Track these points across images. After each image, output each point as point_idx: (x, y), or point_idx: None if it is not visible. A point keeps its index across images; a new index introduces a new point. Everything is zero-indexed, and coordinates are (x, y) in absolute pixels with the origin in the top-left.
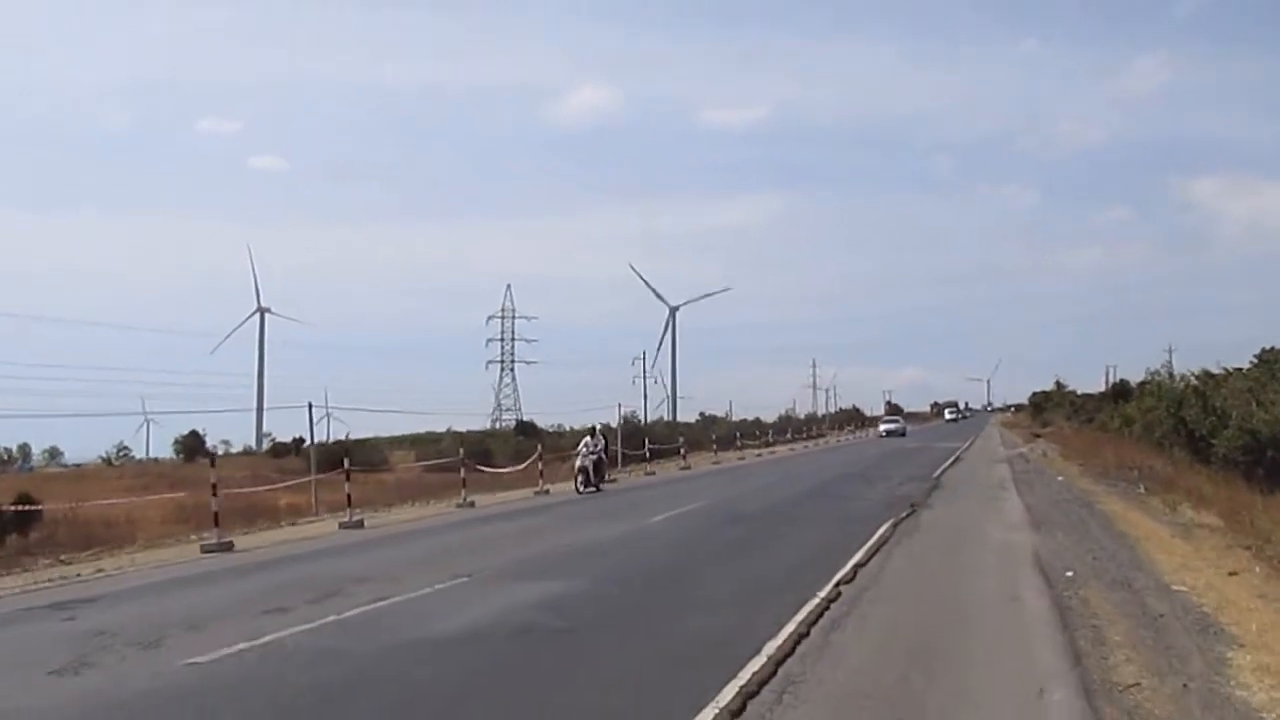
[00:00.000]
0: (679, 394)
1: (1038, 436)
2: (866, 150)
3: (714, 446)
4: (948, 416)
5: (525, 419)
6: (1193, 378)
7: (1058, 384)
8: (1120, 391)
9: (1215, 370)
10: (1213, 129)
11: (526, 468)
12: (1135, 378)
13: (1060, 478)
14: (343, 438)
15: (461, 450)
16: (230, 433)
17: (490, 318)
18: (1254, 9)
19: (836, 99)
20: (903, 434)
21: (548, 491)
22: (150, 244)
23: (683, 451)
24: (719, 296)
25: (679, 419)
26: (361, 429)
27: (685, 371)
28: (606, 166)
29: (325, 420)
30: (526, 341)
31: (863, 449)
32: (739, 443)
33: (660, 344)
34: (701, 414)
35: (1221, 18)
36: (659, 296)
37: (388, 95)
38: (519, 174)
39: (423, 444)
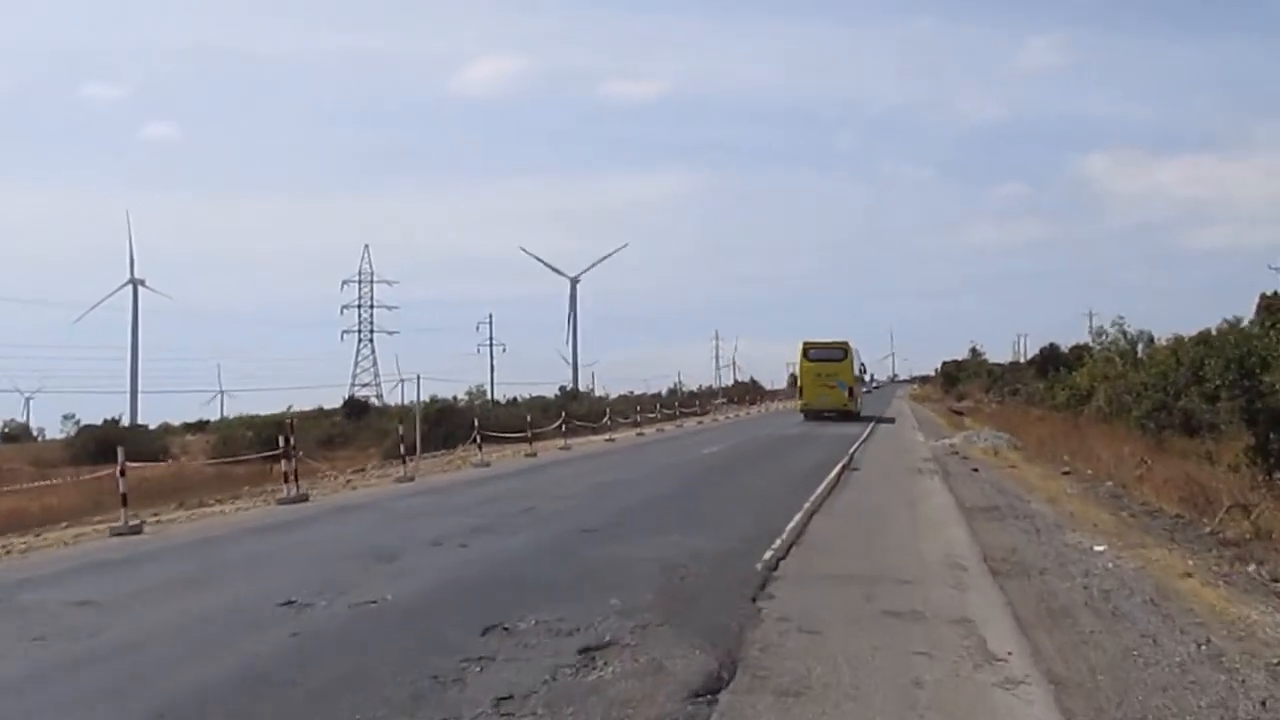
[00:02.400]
0: (584, 368)
1: (959, 414)
2: (768, 126)
3: (563, 429)
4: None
5: (362, 394)
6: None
7: (973, 351)
8: (1049, 359)
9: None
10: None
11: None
12: (1037, 348)
13: (1111, 561)
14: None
15: None
16: (111, 412)
17: (345, 282)
18: None
19: (739, 75)
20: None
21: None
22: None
23: (529, 437)
24: (623, 265)
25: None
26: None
27: (601, 347)
28: (509, 139)
29: (219, 398)
30: (387, 309)
31: (729, 434)
32: (606, 421)
33: (570, 320)
34: (585, 391)
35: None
36: (555, 270)
37: (292, 61)
38: (421, 144)
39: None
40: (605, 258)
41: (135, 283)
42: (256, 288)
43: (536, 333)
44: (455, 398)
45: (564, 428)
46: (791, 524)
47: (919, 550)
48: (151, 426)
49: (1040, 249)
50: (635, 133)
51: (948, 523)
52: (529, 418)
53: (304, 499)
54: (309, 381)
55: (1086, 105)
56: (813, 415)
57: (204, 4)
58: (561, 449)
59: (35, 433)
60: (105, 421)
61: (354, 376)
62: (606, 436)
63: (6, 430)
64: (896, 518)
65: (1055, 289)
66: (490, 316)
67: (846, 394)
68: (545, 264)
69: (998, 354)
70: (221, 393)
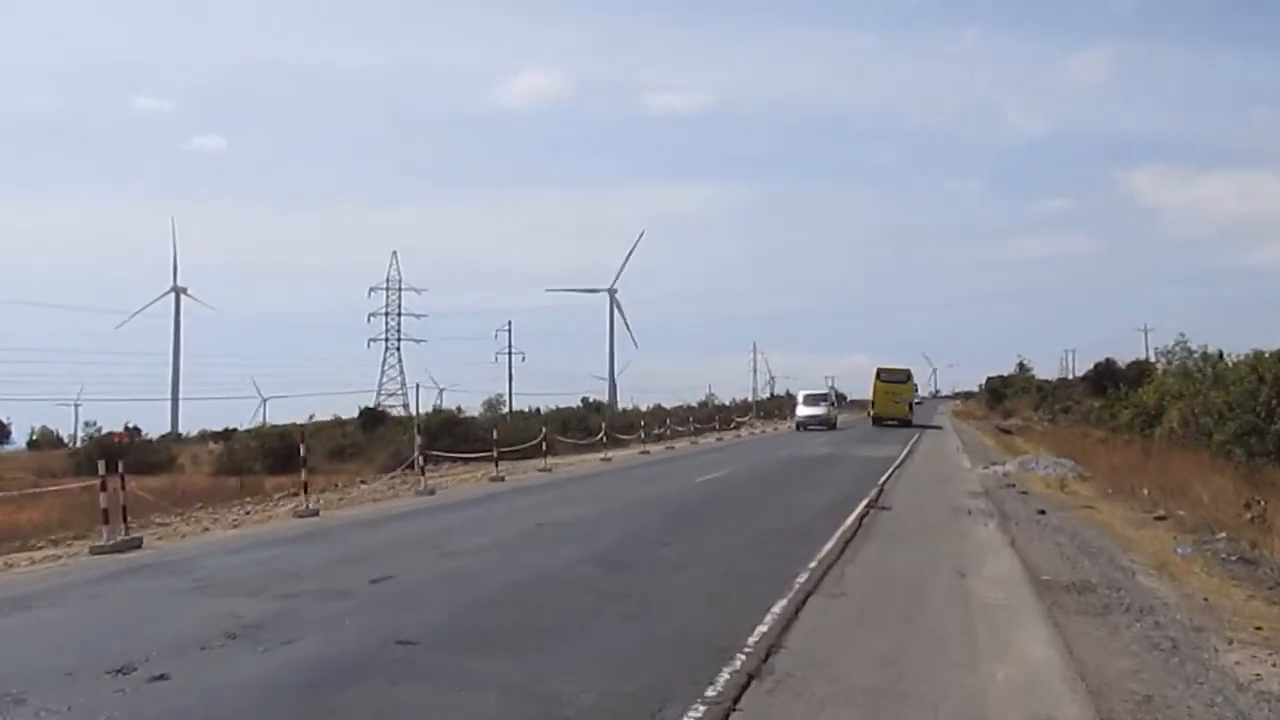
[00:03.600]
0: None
1: (1006, 433)
2: (814, 139)
3: (543, 448)
4: None
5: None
6: None
7: (1020, 366)
8: (1104, 375)
9: None
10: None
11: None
12: (1089, 365)
13: None
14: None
15: None
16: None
17: (373, 289)
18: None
19: (783, 88)
20: (831, 425)
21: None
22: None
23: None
24: (664, 278)
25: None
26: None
27: (637, 358)
28: (549, 151)
29: (263, 407)
30: (415, 317)
31: (744, 454)
32: (602, 438)
33: (612, 331)
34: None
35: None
36: (589, 290)
37: (334, 75)
38: (456, 158)
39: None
40: (629, 254)
41: (178, 291)
42: (300, 296)
43: (572, 342)
44: (459, 408)
45: (544, 446)
46: (766, 623)
47: (980, 692)
48: (189, 434)
49: (1086, 264)
50: (673, 144)
51: (1020, 617)
52: (545, 431)
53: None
54: (344, 389)
55: (1133, 119)
56: (879, 422)
57: (251, 19)
58: (541, 470)
59: (67, 440)
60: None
61: (380, 385)
62: (603, 455)
63: (34, 437)
64: (937, 605)
65: (1101, 305)
66: (510, 324)
67: (907, 407)
68: (576, 290)
69: (1043, 370)
70: (264, 400)
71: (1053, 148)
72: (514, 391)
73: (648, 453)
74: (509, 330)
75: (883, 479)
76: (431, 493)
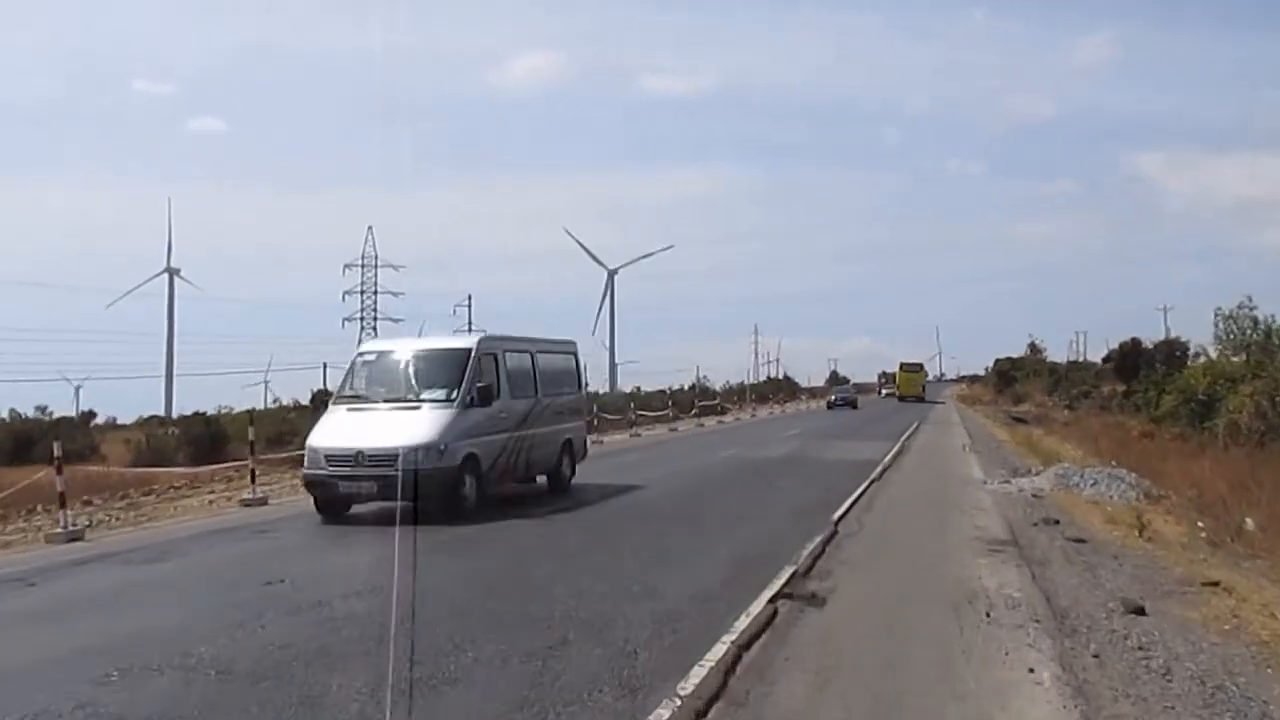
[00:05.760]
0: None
1: (1020, 422)
2: (816, 122)
3: None
4: (884, 392)
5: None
6: None
7: (1032, 347)
8: (1129, 356)
9: None
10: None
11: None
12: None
13: None
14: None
15: None
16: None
17: (348, 266)
18: None
19: (785, 70)
20: (853, 405)
21: None
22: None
23: None
24: (663, 259)
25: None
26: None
27: (638, 342)
28: (549, 135)
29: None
30: (393, 295)
31: (696, 450)
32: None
33: (600, 310)
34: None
35: None
36: (595, 259)
37: (327, 59)
38: (452, 142)
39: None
40: (647, 255)
41: (171, 272)
42: (298, 279)
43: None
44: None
45: None
46: None
47: None
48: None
49: (1091, 246)
50: (673, 128)
51: None
52: None
53: None
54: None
55: (1139, 101)
56: (902, 399)
57: (251, 1)
58: None
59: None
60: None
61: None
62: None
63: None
64: None
65: (1108, 288)
66: (469, 298)
67: (920, 388)
68: (587, 250)
69: (1052, 353)
70: (266, 382)
71: (1057, 129)
72: None
73: (601, 442)
74: (469, 305)
75: (844, 507)
76: (264, 502)
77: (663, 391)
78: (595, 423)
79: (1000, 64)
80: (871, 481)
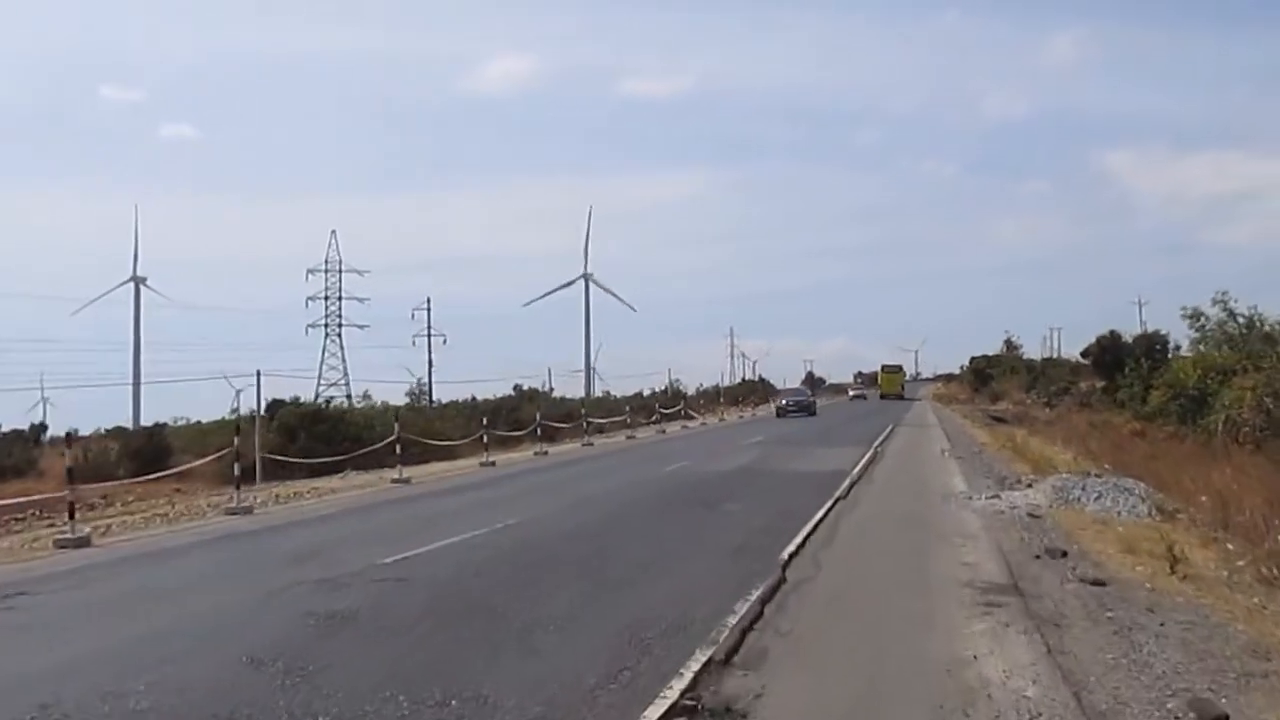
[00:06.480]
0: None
1: (1000, 421)
2: (793, 122)
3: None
4: (851, 394)
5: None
6: None
7: (1008, 344)
8: (1108, 350)
9: None
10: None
11: None
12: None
13: None
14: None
15: None
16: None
17: (311, 271)
18: None
19: (762, 71)
20: (810, 411)
21: None
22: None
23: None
24: (643, 262)
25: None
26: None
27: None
28: (526, 138)
29: (237, 397)
30: (358, 300)
31: (624, 465)
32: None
33: (588, 318)
34: (545, 391)
35: None
36: (566, 285)
37: (302, 64)
38: (427, 146)
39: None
40: (587, 233)
41: (137, 280)
42: (272, 287)
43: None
44: (365, 394)
45: (397, 449)
46: None
47: None
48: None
49: (1065, 244)
50: (651, 130)
51: None
52: (396, 429)
53: None
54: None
55: (1112, 100)
56: (884, 397)
57: (222, 6)
58: (396, 480)
59: None
60: None
61: (320, 374)
62: (482, 460)
63: None
64: None
65: (1081, 285)
66: (429, 301)
67: (900, 387)
68: (553, 291)
69: (1027, 350)
70: (239, 392)
71: (1030, 129)
72: (439, 381)
73: (546, 454)
74: (428, 309)
75: (799, 539)
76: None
77: (639, 394)
78: (539, 432)
79: (974, 64)
80: (837, 499)
